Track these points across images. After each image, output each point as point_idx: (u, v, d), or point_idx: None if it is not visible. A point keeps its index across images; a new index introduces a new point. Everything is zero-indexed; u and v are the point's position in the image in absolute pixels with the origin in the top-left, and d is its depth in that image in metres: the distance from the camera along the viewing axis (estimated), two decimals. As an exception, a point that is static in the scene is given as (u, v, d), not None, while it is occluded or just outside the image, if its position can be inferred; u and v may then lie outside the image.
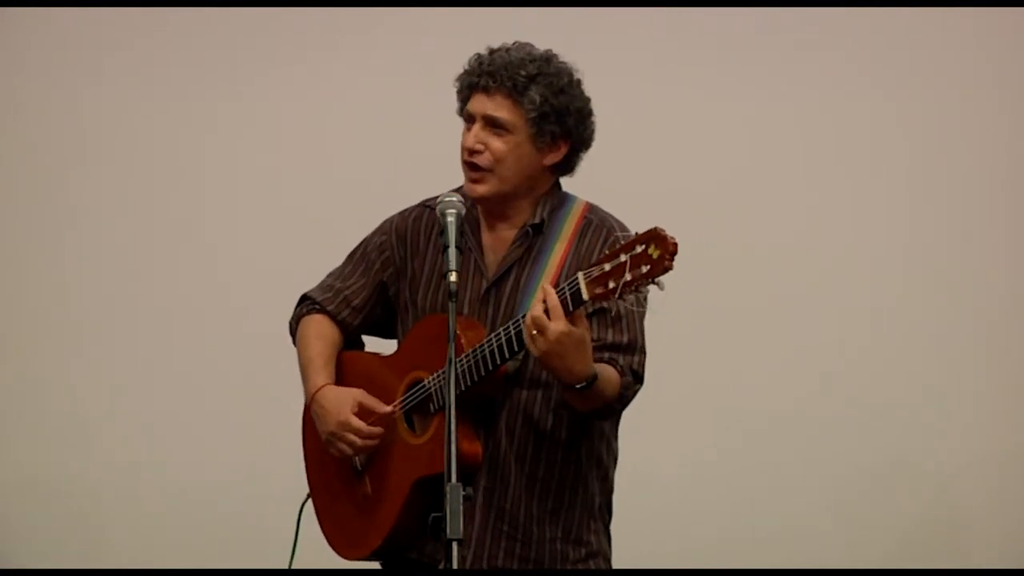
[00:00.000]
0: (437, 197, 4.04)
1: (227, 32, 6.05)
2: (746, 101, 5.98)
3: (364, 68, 6.04)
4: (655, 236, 3.56)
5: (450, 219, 3.80)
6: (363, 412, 4.01)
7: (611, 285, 3.59)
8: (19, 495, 5.95)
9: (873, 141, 5.98)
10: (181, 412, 5.94)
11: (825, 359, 5.89)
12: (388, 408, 3.99)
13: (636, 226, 4.06)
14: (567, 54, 4.01)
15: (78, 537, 5.94)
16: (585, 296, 3.64)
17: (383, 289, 4.15)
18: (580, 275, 3.64)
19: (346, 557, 4.14)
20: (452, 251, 3.74)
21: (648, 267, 3.55)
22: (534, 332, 3.66)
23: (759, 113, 5.98)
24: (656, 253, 3.54)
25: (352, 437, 4.00)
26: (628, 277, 3.57)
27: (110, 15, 6.02)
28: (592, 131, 4.01)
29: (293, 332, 4.25)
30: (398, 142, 5.90)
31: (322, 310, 4.17)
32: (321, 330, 4.17)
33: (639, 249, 3.57)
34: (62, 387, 5.98)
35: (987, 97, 5.95)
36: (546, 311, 3.65)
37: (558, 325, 3.64)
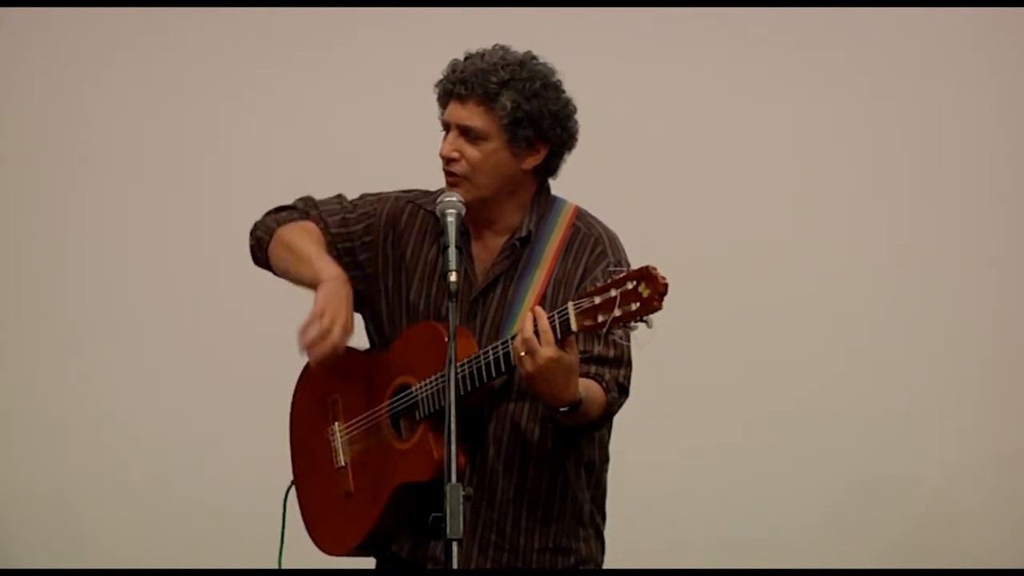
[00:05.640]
0: (433, 194, 4.07)
1: (227, 32, 6.05)
2: (745, 101, 5.98)
3: (362, 67, 6.04)
4: (646, 275, 3.56)
5: (450, 219, 3.80)
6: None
7: (600, 319, 3.60)
8: (13, 496, 5.97)
9: (873, 141, 5.98)
10: (169, 410, 5.96)
11: (823, 360, 5.90)
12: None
13: (629, 229, 4.09)
14: (562, 53, 4.00)
15: (70, 539, 5.94)
16: (574, 327, 3.65)
17: (354, 252, 4.09)
18: (571, 306, 3.64)
19: (325, 551, 4.15)
20: (452, 251, 3.74)
21: (638, 305, 3.55)
22: (523, 353, 3.66)
23: (758, 112, 5.99)
24: (646, 292, 3.55)
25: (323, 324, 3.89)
26: (617, 313, 3.57)
27: (110, 15, 6.03)
28: (573, 132, 3.98)
29: (267, 235, 4.13)
30: (398, 142, 5.90)
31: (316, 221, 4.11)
32: (316, 234, 4.09)
33: (630, 286, 3.57)
34: (52, 387, 5.99)
35: (987, 97, 5.95)
36: (537, 333, 3.66)
37: (547, 351, 3.65)
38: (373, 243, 4.11)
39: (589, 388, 3.81)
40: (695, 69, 5.99)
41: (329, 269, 3.98)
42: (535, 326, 3.66)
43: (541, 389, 3.71)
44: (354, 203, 4.16)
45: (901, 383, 5.89)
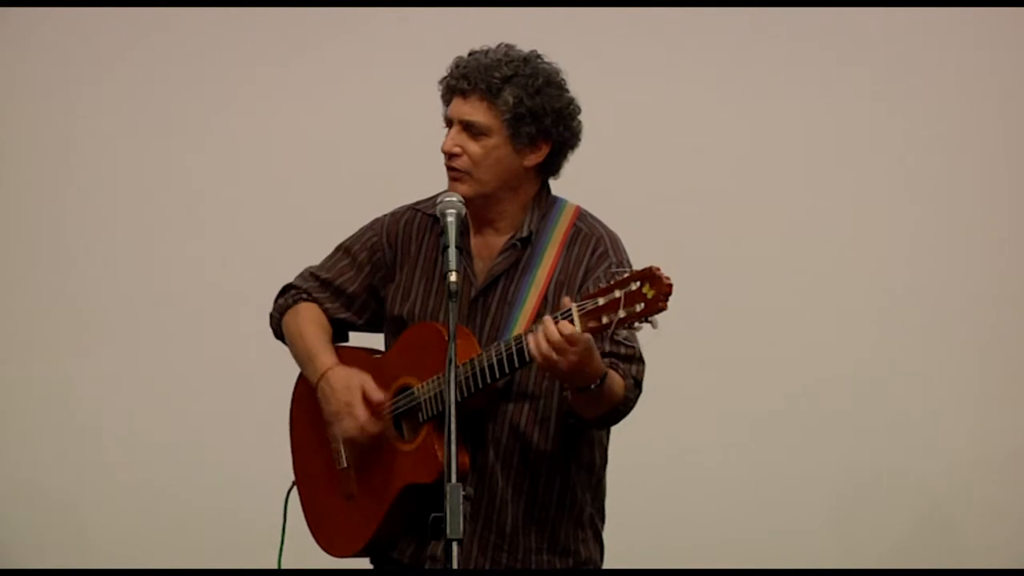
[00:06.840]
0: (429, 199, 4.07)
1: (227, 32, 6.05)
2: (744, 101, 5.98)
3: (362, 67, 6.04)
4: (650, 275, 3.54)
5: (450, 219, 3.80)
6: (365, 398, 3.99)
7: (604, 320, 3.59)
8: (13, 496, 5.97)
9: (873, 141, 5.98)
10: (169, 410, 5.95)
11: (824, 360, 5.90)
12: (383, 399, 3.97)
13: (628, 229, 4.09)
14: (562, 53, 4.00)
15: (70, 539, 5.94)
16: (578, 329, 3.63)
17: (373, 290, 4.14)
18: (574, 307, 3.63)
19: (330, 553, 4.15)
20: (452, 251, 3.73)
21: (642, 306, 3.54)
22: (555, 357, 3.64)
23: (758, 112, 5.99)
24: (651, 293, 3.53)
25: (358, 413, 3.96)
26: (622, 314, 3.56)
27: (110, 15, 6.03)
28: (576, 132, 3.98)
29: (276, 323, 4.20)
30: (400, 141, 5.90)
31: (310, 298, 4.15)
32: (315, 316, 4.13)
33: (634, 286, 3.55)
34: (52, 387, 5.99)
35: (987, 97, 5.95)
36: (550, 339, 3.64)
37: (572, 356, 3.64)
38: (381, 260, 4.12)
39: (609, 373, 3.79)
40: (695, 69, 5.98)
41: (322, 365, 4.05)
42: (557, 329, 3.64)
43: (575, 376, 3.69)
44: (354, 239, 4.17)
45: (901, 383, 5.89)
